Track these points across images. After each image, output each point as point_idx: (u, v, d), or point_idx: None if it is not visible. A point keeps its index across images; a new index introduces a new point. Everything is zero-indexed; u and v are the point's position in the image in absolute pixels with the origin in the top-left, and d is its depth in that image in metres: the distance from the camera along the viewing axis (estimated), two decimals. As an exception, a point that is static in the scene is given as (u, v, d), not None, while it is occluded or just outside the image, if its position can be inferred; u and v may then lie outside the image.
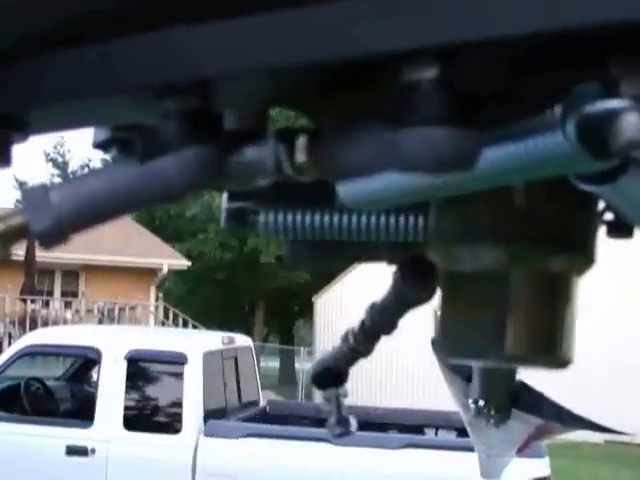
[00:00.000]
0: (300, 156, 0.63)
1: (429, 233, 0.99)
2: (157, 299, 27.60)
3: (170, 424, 8.62)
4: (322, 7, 0.52)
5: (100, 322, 23.43)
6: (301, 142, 0.63)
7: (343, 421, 1.34)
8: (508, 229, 0.89)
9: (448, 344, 0.96)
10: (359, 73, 0.55)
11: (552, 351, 0.93)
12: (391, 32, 0.50)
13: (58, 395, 10.13)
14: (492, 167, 0.58)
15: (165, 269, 26.91)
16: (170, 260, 27.02)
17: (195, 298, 32.36)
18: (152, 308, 26.48)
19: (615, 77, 0.52)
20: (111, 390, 8.59)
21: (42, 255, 19.79)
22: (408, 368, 19.50)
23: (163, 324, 24.87)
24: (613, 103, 0.53)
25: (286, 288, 31.20)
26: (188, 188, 0.58)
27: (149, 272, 26.81)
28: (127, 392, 8.74)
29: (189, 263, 27.76)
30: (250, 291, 31.27)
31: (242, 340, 10.40)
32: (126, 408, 8.63)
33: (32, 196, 0.58)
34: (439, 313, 0.95)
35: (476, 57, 0.52)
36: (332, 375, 1.49)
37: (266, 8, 0.53)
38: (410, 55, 0.51)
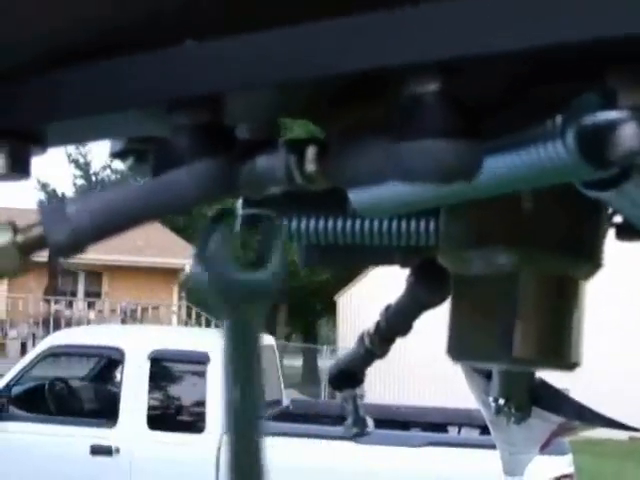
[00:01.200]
0: (310, 166, 0.65)
1: (439, 238, 1.00)
2: (180, 299, 27.65)
3: (194, 423, 8.65)
4: (327, 23, 0.54)
5: (123, 322, 23.49)
6: (310, 152, 0.65)
7: (360, 421, 1.36)
8: (517, 233, 0.91)
9: (457, 346, 0.98)
10: (365, 85, 0.57)
11: (560, 354, 0.94)
12: (393, 47, 0.52)
13: (82, 395, 10.18)
14: (493, 176, 0.60)
15: (187, 268, 26.94)
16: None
17: (218, 297, 32.34)
18: (175, 308, 26.54)
19: (613, 88, 0.53)
20: (135, 390, 8.63)
21: (65, 256, 19.80)
22: (429, 365, 19.49)
23: (186, 324, 24.92)
24: (611, 114, 0.55)
25: (308, 286, 31.19)
26: (201, 199, 0.60)
27: (172, 272, 26.87)
28: (150, 392, 8.78)
29: (211, 263, 27.72)
30: (273, 290, 31.18)
31: (265, 339, 10.40)
32: (150, 407, 8.66)
33: (49, 208, 0.60)
34: (448, 316, 0.97)
35: (477, 70, 0.54)
36: (349, 376, 1.50)
37: (272, 25, 0.55)
38: (413, 69, 0.53)
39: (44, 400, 9.31)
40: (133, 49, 0.59)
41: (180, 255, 26.57)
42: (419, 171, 0.54)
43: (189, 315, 25.98)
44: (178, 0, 0.62)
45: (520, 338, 0.91)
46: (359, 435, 1.42)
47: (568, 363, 0.95)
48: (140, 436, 8.38)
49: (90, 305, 25.53)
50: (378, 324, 1.51)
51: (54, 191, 47.44)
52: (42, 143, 0.68)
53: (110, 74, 0.61)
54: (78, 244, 0.60)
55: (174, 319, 25.55)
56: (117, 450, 8.34)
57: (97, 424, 8.67)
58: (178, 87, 0.58)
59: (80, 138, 0.75)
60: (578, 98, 0.58)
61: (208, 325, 24.59)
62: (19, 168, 0.67)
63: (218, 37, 0.57)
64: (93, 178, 50.53)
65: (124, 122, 0.64)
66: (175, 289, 27.47)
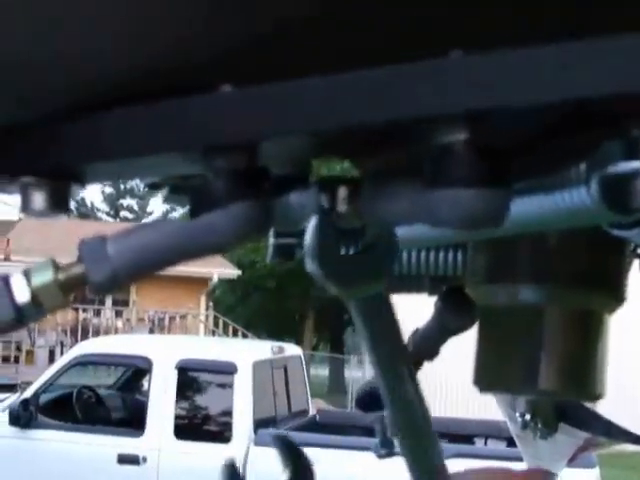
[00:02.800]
0: (342, 206, 0.67)
1: (466, 270, 1.02)
2: (207, 308, 27.68)
3: (220, 433, 8.67)
4: (358, 73, 0.56)
5: (151, 331, 23.55)
6: (342, 192, 0.67)
7: (388, 443, 1.37)
8: (541, 270, 0.93)
9: (483, 377, 0.99)
10: (395, 130, 0.58)
11: (584, 386, 0.96)
12: (423, 98, 0.54)
13: (110, 404, 10.22)
14: (517, 217, 0.61)
15: (215, 278, 26.99)
16: (220, 269, 27.06)
17: (245, 307, 32.41)
18: (202, 317, 26.58)
19: (636, 138, 0.55)
20: (162, 399, 8.66)
21: (94, 264, 19.87)
22: (455, 376, 19.41)
23: (213, 333, 24.94)
24: (634, 164, 0.56)
25: (336, 296, 31.09)
26: (236, 241, 0.62)
27: (199, 281, 26.90)
28: (178, 401, 8.81)
29: (239, 272, 27.81)
30: (300, 300, 31.27)
31: (292, 349, 10.43)
32: (177, 417, 8.69)
33: (90, 247, 0.62)
34: (475, 346, 0.99)
35: (505, 118, 0.55)
36: (377, 398, 1.51)
37: (307, 73, 0.57)
38: (442, 118, 0.55)
39: (72, 409, 9.36)
40: (170, 94, 0.61)
41: (208, 264, 26.61)
42: (448, 218, 0.56)
43: (216, 324, 26.01)
44: (215, 46, 0.63)
45: (545, 370, 0.93)
46: (387, 456, 1.43)
47: (592, 394, 0.97)
48: (167, 445, 8.41)
49: (118, 314, 25.60)
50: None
51: (82, 200, 47.60)
52: (81, 181, 0.70)
53: (147, 118, 0.63)
54: (117, 283, 0.62)
55: (201, 328, 25.58)
56: (144, 459, 8.37)
57: (124, 433, 8.71)
58: (213, 133, 0.60)
59: (118, 176, 0.77)
60: (602, 146, 0.60)
61: (235, 335, 24.63)
62: (59, 206, 0.69)
63: (253, 83, 0.59)
64: (121, 186, 50.75)
65: (161, 163, 0.66)
66: (203, 298, 27.52)
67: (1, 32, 0.60)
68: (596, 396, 0.98)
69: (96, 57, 0.64)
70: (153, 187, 0.88)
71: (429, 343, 1.35)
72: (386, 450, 1.44)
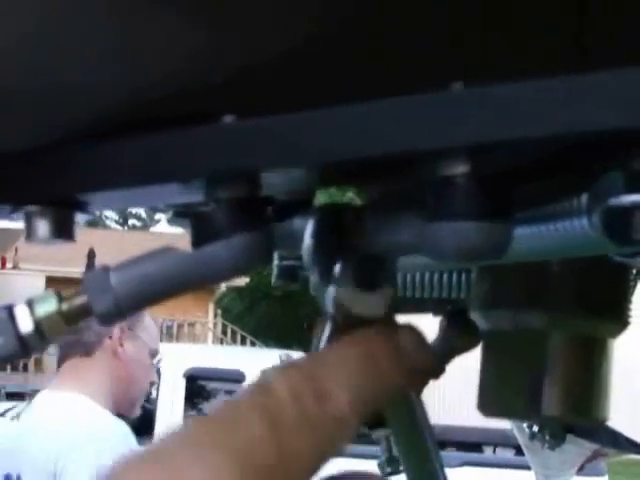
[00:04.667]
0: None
1: (469, 295, 1.02)
2: (215, 316, 27.72)
3: (228, 442, 8.66)
4: (359, 106, 0.56)
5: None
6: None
7: (393, 461, 1.37)
8: (543, 296, 0.93)
9: (487, 403, 0.99)
10: (397, 162, 0.59)
11: (588, 411, 0.96)
12: (424, 132, 0.54)
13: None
14: (517, 246, 0.61)
15: (223, 286, 27.00)
16: (228, 276, 27.02)
17: (253, 315, 32.44)
18: (210, 325, 26.61)
19: (638, 171, 0.55)
20: (170, 407, 8.68)
21: (102, 272, 19.92)
22: (463, 384, 19.40)
23: (221, 341, 24.97)
24: (636, 197, 0.56)
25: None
26: (237, 272, 0.62)
27: (207, 289, 26.94)
28: (186, 409, 8.82)
29: (247, 279, 27.83)
30: (308, 308, 31.27)
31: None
32: (185, 426, 8.69)
33: (94, 278, 0.63)
34: (479, 370, 0.99)
35: (506, 153, 0.56)
36: (381, 415, 1.51)
37: (311, 106, 0.57)
38: (442, 153, 0.55)
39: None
40: (172, 124, 0.62)
41: (216, 272, 26.53)
42: (449, 251, 0.56)
43: (224, 332, 26.04)
44: (217, 76, 0.64)
45: (549, 396, 0.93)
46: (392, 474, 1.43)
47: (596, 419, 0.97)
48: (175, 454, 8.41)
49: (126, 321, 25.62)
50: None
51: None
52: (84, 210, 0.70)
53: (150, 148, 0.63)
54: (120, 313, 0.62)
55: (209, 336, 25.62)
56: (152, 468, 8.36)
57: (132, 442, 8.71)
58: (215, 164, 0.61)
59: (121, 204, 0.78)
60: (604, 177, 0.60)
61: (243, 342, 24.64)
62: (63, 234, 0.70)
63: (256, 114, 0.59)
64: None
65: (163, 191, 0.66)
66: (211, 306, 27.56)
67: (5, 62, 0.61)
68: (600, 420, 0.98)
69: (99, 86, 0.64)
70: (156, 210, 0.88)
71: (434, 361, 1.35)
72: (391, 469, 1.44)
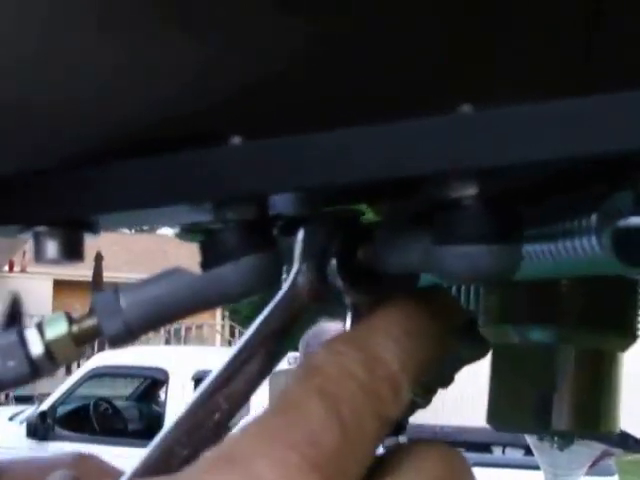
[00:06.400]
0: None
1: (477, 310, 1.02)
2: (223, 318, 27.72)
3: (237, 444, 8.66)
4: (363, 129, 0.56)
5: (167, 342, 23.59)
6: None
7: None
8: (551, 312, 0.93)
9: (496, 417, 1.00)
10: (405, 186, 0.58)
11: (597, 424, 0.96)
12: (431, 156, 0.54)
13: (126, 415, 10.26)
14: (526, 265, 0.61)
15: (231, 287, 26.92)
16: (236, 278, 27.00)
17: (261, 316, 32.34)
18: (218, 327, 26.62)
19: None
20: (179, 410, 8.64)
21: (109, 275, 20.00)
22: (472, 384, 19.38)
23: (230, 343, 24.96)
24: None
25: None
26: (246, 294, 0.62)
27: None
28: (194, 413, 8.81)
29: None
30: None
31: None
32: (194, 429, 8.68)
33: (103, 300, 0.63)
34: (488, 384, 0.99)
35: (516, 173, 0.55)
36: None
37: (317, 129, 0.57)
38: (450, 175, 0.55)
39: (89, 420, 9.39)
40: (180, 145, 0.62)
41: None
42: (458, 273, 0.55)
43: (232, 335, 26.04)
44: (225, 98, 0.64)
45: (559, 411, 0.93)
46: None
47: (605, 432, 0.97)
48: (184, 457, 8.41)
49: (134, 324, 25.59)
50: None
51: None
52: (94, 230, 0.70)
53: (158, 170, 0.63)
54: (130, 335, 0.62)
55: (218, 338, 25.62)
56: (161, 471, 8.37)
57: (141, 444, 8.68)
58: (222, 186, 0.60)
59: (130, 224, 0.78)
60: (613, 197, 0.60)
61: (251, 344, 24.51)
62: (72, 254, 0.70)
63: (264, 136, 0.59)
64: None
65: (172, 212, 0.66)
66: (219, 308, 27.55)
67: (17, 81, 0.61)
68: (609, 433, 0.98)
69: (110, 107, 0.64)
70: (164, 225, 0.88)
71: (443, 371, 1.35)
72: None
